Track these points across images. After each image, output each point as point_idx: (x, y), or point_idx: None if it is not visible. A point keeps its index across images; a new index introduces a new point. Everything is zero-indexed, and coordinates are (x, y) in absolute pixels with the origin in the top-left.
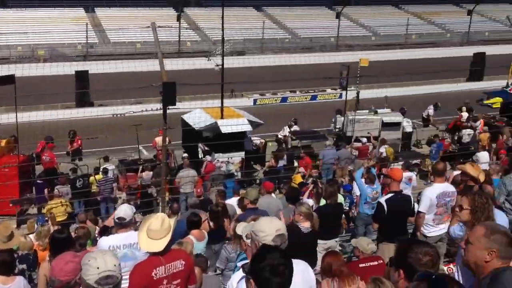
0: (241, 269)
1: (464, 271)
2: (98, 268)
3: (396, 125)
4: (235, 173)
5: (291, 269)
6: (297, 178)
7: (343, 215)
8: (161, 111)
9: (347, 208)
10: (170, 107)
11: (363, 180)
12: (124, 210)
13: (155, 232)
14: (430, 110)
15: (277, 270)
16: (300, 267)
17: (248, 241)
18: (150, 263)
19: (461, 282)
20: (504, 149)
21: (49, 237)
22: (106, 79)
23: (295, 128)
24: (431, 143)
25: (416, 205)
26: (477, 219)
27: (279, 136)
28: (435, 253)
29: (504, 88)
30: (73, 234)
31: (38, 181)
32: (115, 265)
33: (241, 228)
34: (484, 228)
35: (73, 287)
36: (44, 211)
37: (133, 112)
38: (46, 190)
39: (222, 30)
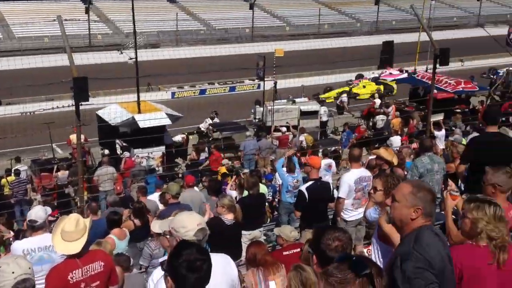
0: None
1: (381, 247)
2: (13, 272)
3: (313, 114)
4: (156, 168)
5: (209, 264)
6: (222, 170)
7: (267, 205)
8: (74, 108)
9: (270, 197)
10: (83, 103)
11: (284, 169)
12: (36, 212)
13: (70, 233)
14: (344, 98)
15: (193, 265)
16: (220, 260)
17: (168, 237)
18: (66, 266)
19: (379, 257)
20: (406, 135)
21: None
22: (13, 76)
23: (216, 120)
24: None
25: (335, 191)
26: None
27: (202, 128)
28: (345, 238)
29: (412, 75)
30: None
31: None
32: (29, 268)
33: (158, 226)
34: (410, 185)
35: None
36: None
37: (44, 110)
38: None
39: (133, 23)
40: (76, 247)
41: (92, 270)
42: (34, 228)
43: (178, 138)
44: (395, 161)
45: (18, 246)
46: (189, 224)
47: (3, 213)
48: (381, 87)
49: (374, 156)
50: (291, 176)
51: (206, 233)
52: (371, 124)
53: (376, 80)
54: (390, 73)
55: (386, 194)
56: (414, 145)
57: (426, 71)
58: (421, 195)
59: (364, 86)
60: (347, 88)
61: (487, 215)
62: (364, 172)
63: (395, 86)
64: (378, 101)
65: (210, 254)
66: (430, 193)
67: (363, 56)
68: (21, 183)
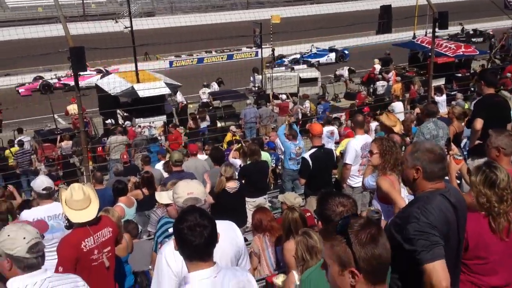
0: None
1: (382, 208)
2: (24, 238)
3: (313, 81)
4: (158, 138)
5: (212, 231)
6: (227, 138)
7: (270, 172)
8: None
9: (273, 165)
10: (81, 73)
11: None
12: (46, 181)
13: (81, 202)
14: (345, 73)
15: (195, 231)
16: (226, 227)
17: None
18: (78, 235)
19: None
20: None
21: None
22: (9, 47)
23: (216, 88)
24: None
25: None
26: (386, 161)
27: (203, 99)
28: (350, 203)
29: (412, 39)
30: None
31: None
32: (37, 232)
33: (166, 196)
34: (411, 146)
35: None
36: None
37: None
38: None
39: None
40: (90, 214)
41: (103, 236)
42: (49, 195)
43: (179, 98)
44: (398, 127)
45: (28, 215)
46: (181, 192)
47: (10, 184)
48: None
49: (377, 123)
50: (293, 144)
51: (197, 203)
52: (371, 90)
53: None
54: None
55: (382, 156)
56: (417, 111)
57: (426, 35)
58: (418, 155)
59: None
60: None
61: (477, 179)
62: (369, 138)
63: None
64: (378, 67)
65: (216, 221)
66: (431, 152)
67: (361, 21)
68: (25, 154)
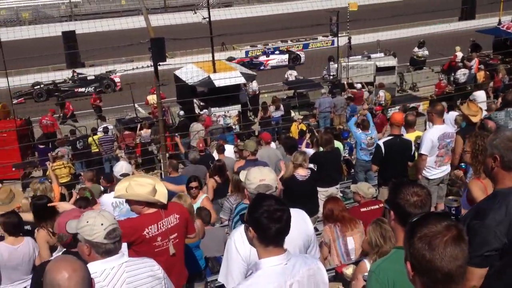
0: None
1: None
2: (102, 224)
3: (390, 69)
4: (233, 127)
5: (289, 215)
6: (293, 129)
7: (344, 162)
8: (153, 68)
9: (347, 155)
10: (161, 63)
11: (358, 127)
12: (126, 166)
13: (152, 190)
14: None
15: (274, 216)
16: (295, 215)
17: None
18: (143, 220)
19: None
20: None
21: (30, 204)
22: (94, 38)
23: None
24: None
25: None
26: (479, 163)
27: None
28: (424, 193)
29: (497, 26)
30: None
31: (40, 146)
32: (114, 218)
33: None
34: (493, 134)
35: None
36: (47, 173)
37: (125, 71)
38: (50, 154)
39: None
40: (164, 194)
41: (168, 223)
42: None
43: (254, 86)
44: (479, 117)
45: (108, 199)
46: (252, 178)
47: (92, 169)
48: None
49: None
50: (364, 133)
51: (268, 190)
52: (452, 79)
53: None
54: None
55: (474, 156)
56: (500, 100)
57: None
58: (497, 142)
59: None
60: None
61: None
62: (447, 128)
63: None
64: (460, 54)
65: None
66: (510, 140)
67: (443, 7)
68: (108, 140)
